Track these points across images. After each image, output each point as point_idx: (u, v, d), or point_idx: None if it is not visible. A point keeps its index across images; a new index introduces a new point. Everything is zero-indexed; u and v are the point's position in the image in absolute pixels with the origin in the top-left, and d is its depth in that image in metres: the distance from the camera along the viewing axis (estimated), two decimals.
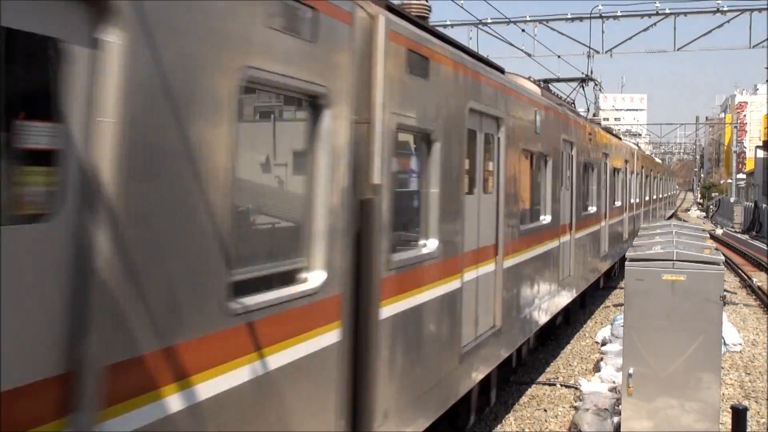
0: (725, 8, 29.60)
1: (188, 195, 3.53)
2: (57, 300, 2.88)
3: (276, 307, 4.27)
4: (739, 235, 46.71)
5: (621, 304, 14.02)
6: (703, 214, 74.90)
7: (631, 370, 8.70)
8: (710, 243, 11.03)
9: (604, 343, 14.32)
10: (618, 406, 9.79)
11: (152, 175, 3.29)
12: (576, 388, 11.68)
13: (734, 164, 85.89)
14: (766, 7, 29.28)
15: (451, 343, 7.09)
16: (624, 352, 8.93)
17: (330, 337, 4.88)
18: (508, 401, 11.24)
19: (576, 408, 10.60)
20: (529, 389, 11.92)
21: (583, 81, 22.74)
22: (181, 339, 3.46)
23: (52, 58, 2.90)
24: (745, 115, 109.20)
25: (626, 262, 9.08)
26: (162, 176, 3.35)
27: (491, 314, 8.93)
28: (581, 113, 18.69)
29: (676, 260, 8.82)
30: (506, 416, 10.62)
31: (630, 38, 33.73)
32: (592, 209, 16.97)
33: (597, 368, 12.79)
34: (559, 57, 33.14)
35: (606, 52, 32.85)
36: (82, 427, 2.94)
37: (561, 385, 12.14)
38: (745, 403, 10.95)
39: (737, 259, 31.49)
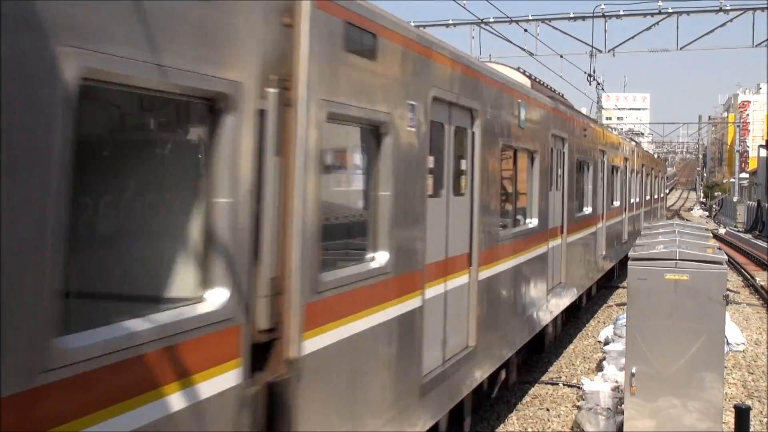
0: (728, 7, 29.56)
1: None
2: None
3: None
4: (742, 235, 46.66)
5: (624, 304, 14.03)
6: (706, 213, 74.83)
7: (633, 370, 8.70)
8: (713, 242, 11.02)
9: (606, 343, 14.31)
10: (621, 406, 9.79)
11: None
12: (579, 388, 11.67)
13: (737, 163, 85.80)
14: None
15: None
16: (627, 352, 8.94)
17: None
18: (511, 400, 11.24)
19: (579, 407, 10.59)
20: (532, 389, 11.92)
21: None
22: None
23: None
24: (747, 114, 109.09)
25: (629, 261, 9.08)
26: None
27: None
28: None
29: (678, 259, 8.82)
30: (509, 415, 10.63)
31: (632, 37, 33.74)
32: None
33: (600, 367, 12.79)
34: (561, 57, 33.18)
35: (608, 51, 32.83)
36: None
37: (564, 385, 12.13)
38: (748, 402, 10.95)
39: (740, 259, 31.46)
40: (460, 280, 7.78)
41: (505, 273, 9.26)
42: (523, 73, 12.53)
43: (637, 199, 26.06)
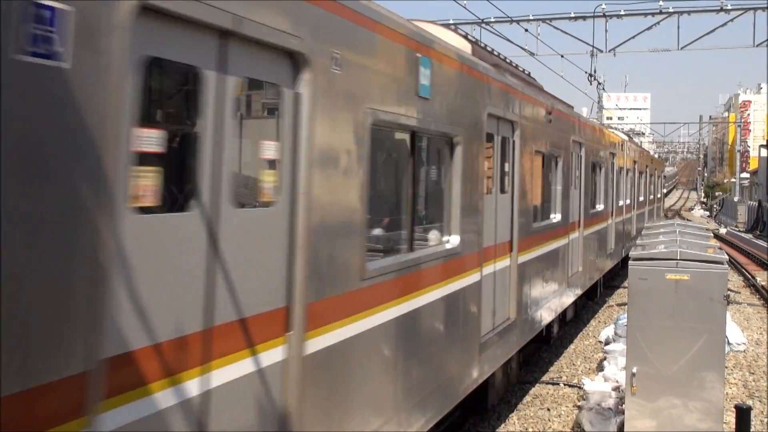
0: (729, 7, 29.56)
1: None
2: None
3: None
4: (742, 235, 46.65)
5: (624, 304, 14.02)
6: (707, 213, 74.83)
7: (634, 370, 8.70)
8: (714, 242, 11.02)
9: (607, 343, 14.31)
10: (621, 406, 9.78)
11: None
12: (579, 388, 11.67)
13: (738, 163, 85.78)
14: None
15: None
16: (627, 352, 8.93)
17: None
18: (512, 400, 11.24)
19: (579, 407, 10.59)
20: (533, 388, 11.91)
21: None
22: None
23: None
24: (748, 114, 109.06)
25: (630, 261, 9.08)
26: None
27: None
28: None
29: (679, 259, 8.81)
30: (510, 415, 10.63)
31: (633, 37, 33.72)
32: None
33: (600, 367, 12.78)
34: (562, 56, 33.17)
35: (609, 51, 32.83)
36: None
37: (564, 385, 12.13)
38: (749, 402, 10.95)
39: (741, 259, 31.45)
40: (263, 358, 4.37)
41: (375, 332, 5.74)
42: (465, 36, 9.63)
43: (628, 201, 22.99)
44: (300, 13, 4.66)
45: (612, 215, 19.35)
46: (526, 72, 12.11)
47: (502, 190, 9.44)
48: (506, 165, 9.63)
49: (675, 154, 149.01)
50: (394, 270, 6.12)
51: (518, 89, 9.96)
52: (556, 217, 12.68)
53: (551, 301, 12.25)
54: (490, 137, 8.75)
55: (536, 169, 11.10)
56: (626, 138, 23.90)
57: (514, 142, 9.75)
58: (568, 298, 13.96)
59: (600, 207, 17.48)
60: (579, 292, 15.06)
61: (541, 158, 11.39)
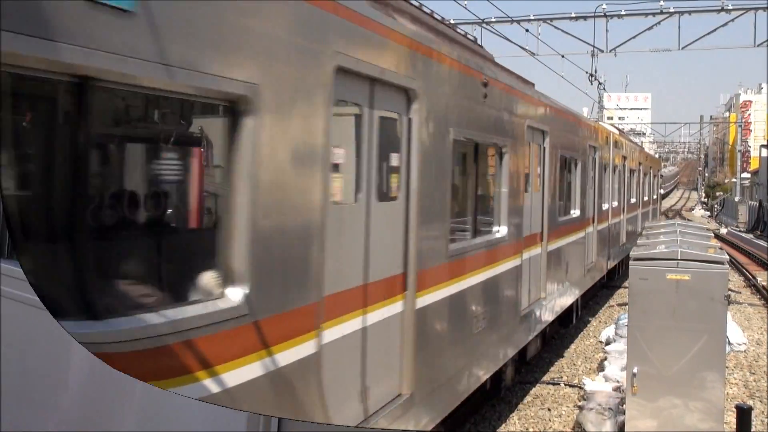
0: (730, 7, 29.55)
1: None
2: None
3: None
4: (743, 235, 46.62)
5: (625, 304, 14.02)
6: (708, 213, 74.81)
7: (635, 370, 8.70)
8: (714, 242, 11.02)
9: (608, 343, 14.31)
10: (622, 406, 9.78)
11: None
12: (580, 388, 11.67)
13: (739, 163, 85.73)
14: None
15: None
16: (628, 352, 8.93)
17: None
18: (512, 400, 11.24)
19: (580, 407, 10.58)
20: (533, 389, 11.91)
21: None
22: None
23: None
24: (749, 114, 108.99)
25: (631, 261, 9.07)
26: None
27: None
28: None
29: (680, 259, 8.81)
30: (510, 415, 10.63)
31: (634, 37, 33.71)
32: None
33: (601, 367, 12.78)
34: (562, 56, 33.15)
35: (610, 51, 32.84)
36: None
37: (565, 385, 12.13)
38: (750, 402, 10.94)
39: (742, 259, 31.42)
40: None
41: None
42: None
43: (616, 204, 19.99)
44: None
45: (593, 222, 16.20)
46: (472, 38, 9.01)
47: (384, 197, 6.24)
48: (394, 157, 6.41)
49: (676, 154, 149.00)
50: None
51: (420, 42, 6.65)
52: (499, 230, 9.29)
53: (490, 348, 8.94)
54: (356, 111, 5.76)
55: (462, 166, 8.29)
56: (614, 130, 20.79)
57: (410, 121, 6.48)
58: (522, 338, 10.49)
59: (575, 213, 14.43)
60: (541, 325, 11.70)
61: (472, 149, 8.43)
